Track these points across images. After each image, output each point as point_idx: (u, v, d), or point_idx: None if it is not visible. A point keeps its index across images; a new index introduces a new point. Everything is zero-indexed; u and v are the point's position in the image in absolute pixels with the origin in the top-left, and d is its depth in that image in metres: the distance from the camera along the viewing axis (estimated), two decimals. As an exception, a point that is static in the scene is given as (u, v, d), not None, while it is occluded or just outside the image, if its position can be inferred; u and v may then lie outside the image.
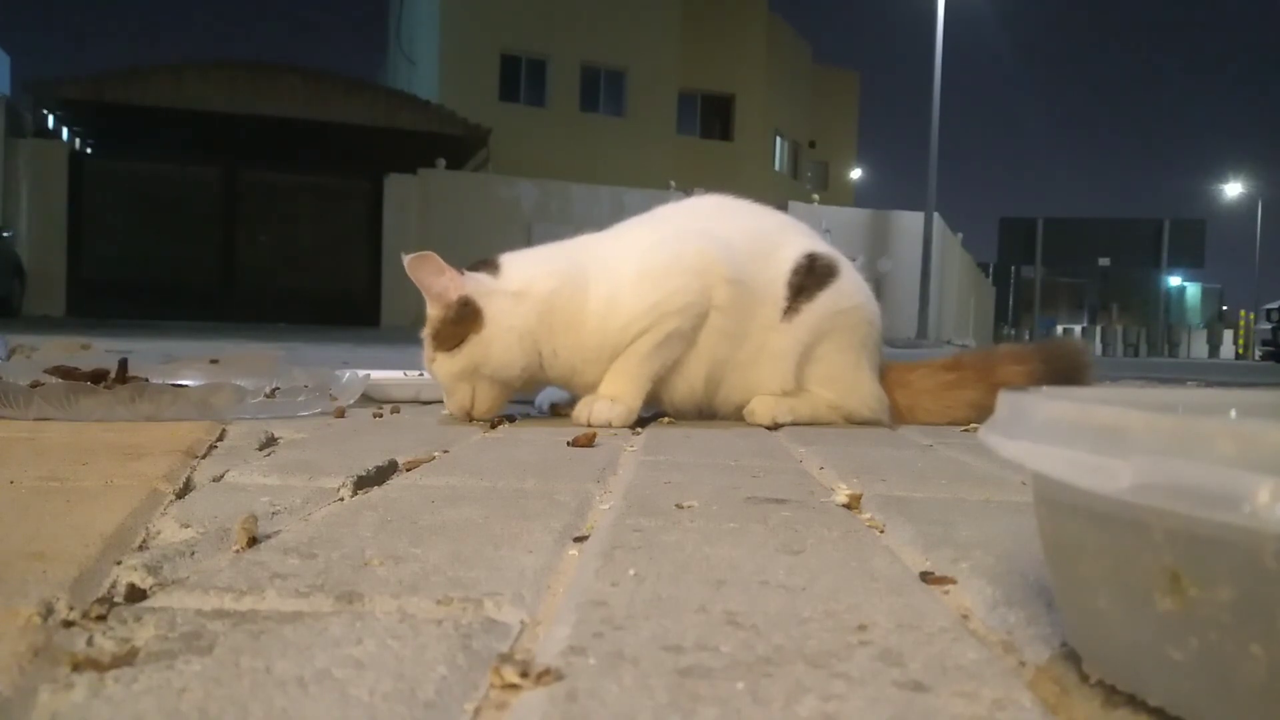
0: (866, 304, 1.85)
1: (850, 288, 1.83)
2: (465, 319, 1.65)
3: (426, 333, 1.71)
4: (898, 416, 1.86)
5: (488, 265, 1.74)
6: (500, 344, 1.65)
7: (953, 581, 0.64)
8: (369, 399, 1.96)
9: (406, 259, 1.65)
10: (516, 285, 1.69)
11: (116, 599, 0.55)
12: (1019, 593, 0.60)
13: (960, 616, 0.56)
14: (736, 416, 1.82)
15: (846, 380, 1.81)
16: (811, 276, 1.79)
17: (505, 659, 0.46)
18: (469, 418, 1.68)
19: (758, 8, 24.15)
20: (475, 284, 1.68)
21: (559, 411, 1.86)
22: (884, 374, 1.88)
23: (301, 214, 14.15)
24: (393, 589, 0.57)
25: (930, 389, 1.90)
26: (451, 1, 19.94)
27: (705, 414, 1.84)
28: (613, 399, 1.67)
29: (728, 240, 1.77)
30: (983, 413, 1.82)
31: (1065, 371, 1.88)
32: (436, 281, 1.67)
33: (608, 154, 20.37)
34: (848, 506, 0.91)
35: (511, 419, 1.73)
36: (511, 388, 1.72)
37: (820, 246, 1.87)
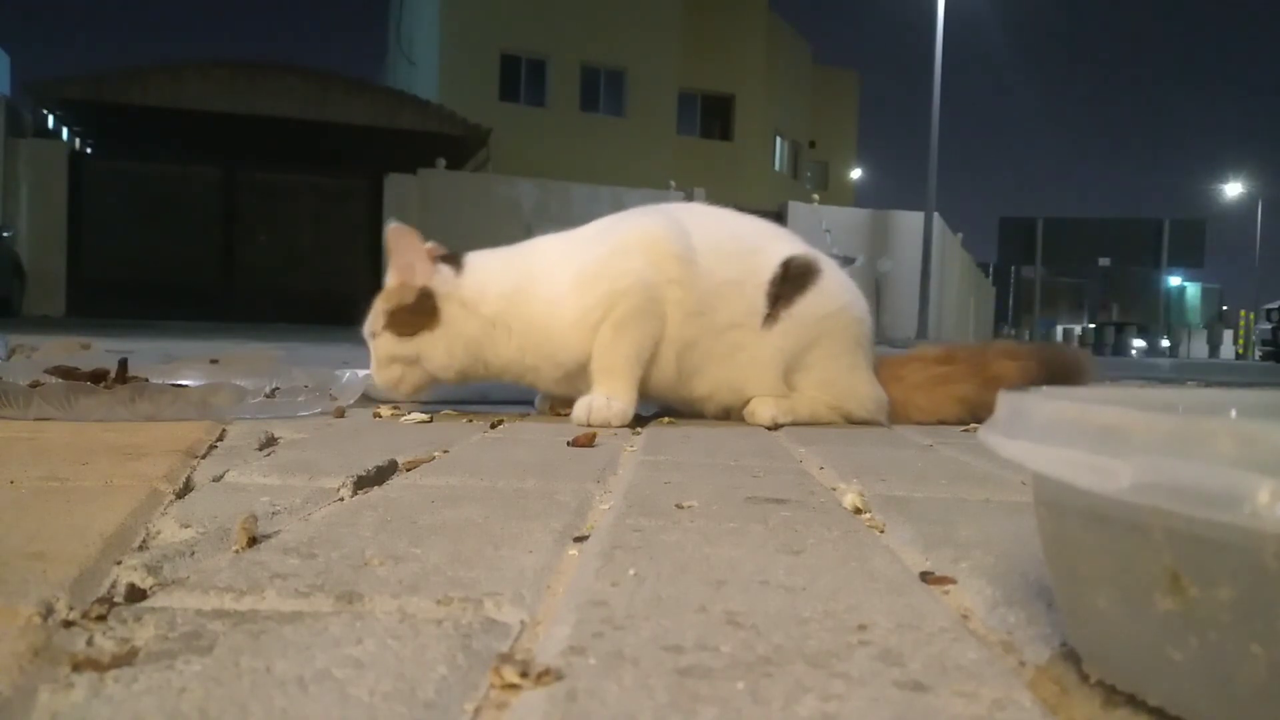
0: (852, 303, 1.84)
1: (833, 289, 1.81)
2: (423, 312, 1.72)
3: (381, 306, 1.76)
4: (891, 412, 1.86)
5: (454, 261, 1.77)
6: (446, 346, 1.72)
7: (953, 581, 0.64)
8: (369, 399, 1.96)
9: (392, 225, 1.73)
10: (468, 293, 1.73)
11: (116, 599, 0.55)
12: (1019, 593, 0.60)
13: (960, 616, 0.56)
14: (729, 417, 1.82)
15: (842, 384, 1.81)
16: (787, 284, 1.77)
17: (505, 659, 0.46)
18: (390, 392, 1.77)
19: (758, 8, 24.14)
20: (442, 280, 1.73)
21: (558, 411, 1.86)
22: (877, 369, 1.88)
23: (301, 214, 14.14)
24: (393, 589, 0.57)
25: (922, 383, 1.89)
26: (451, 1, 19.94)
27: (689, 408, 1.84)
28: (608, 396, 1.68)
29: (681, 224, 1.77)
30: (975, 408, 1.82)
31: (1063, 377, 1.87)
32: (407, 258, 1.73)
33: (608, 154, 20.36)
34: (858, 510, 0.90)
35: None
36: (441, 381, 1.78)
37: (799, 249, 1.84)
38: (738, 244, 1.80)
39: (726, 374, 1.79)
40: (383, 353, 1.75)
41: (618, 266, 1.70)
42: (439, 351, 1.72)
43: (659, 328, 1.72)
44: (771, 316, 1.76)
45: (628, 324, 1.69)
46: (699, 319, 1.73)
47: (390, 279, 1.76)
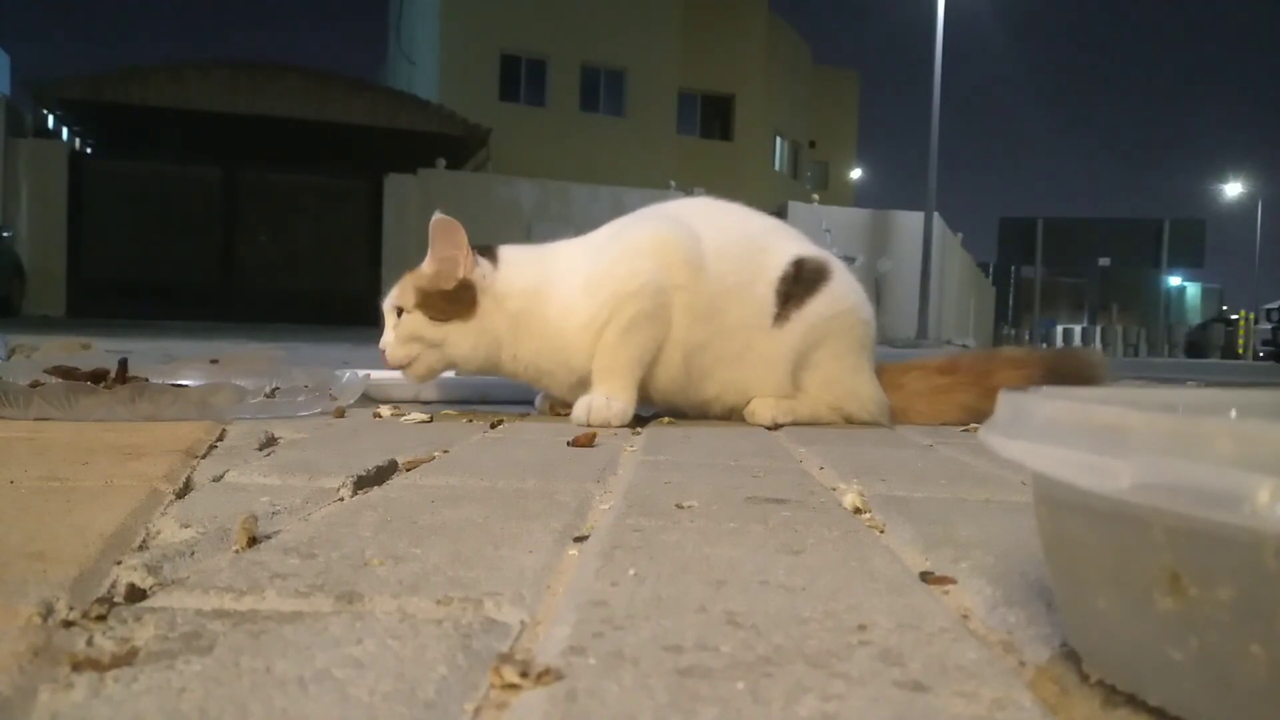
0: (860, 305, 1.84)
1: (842, 290, 1.81)
2: (460, 301, 1.72)
3: (413, 283, 1.75)
4: (891, 417, 1.86)
5: (490, 255, 1.78)
6: (474, 339, 1.72)
7: (953, 581, 0.64)
8: (369, 399, 1.96)
9: (438, 216, 1.72)
10: (501, 287, 1.74)
11: (116, 599, 0.55)
12: (1019, 593, 0.60)
13: (960, 616, 0.56)
14: (731, 417, 1.82)
15: (845, 384, 1.81)
16: (799, 284, 1.77)
17: (505, 659, 0.46)
18: (397, 367, 1.77)
19: (758, 8, 24.14)
20: (482, 273, 1.74)
21: (558, 411, 1.86)
22: (878, 376, 1.87)
23: (301, 214, 14.15)
24: (393, 589, 0.57)
25: (923, 392, 1.89)
26: (451, 1, 19.94)
27: (696, 410, 1.84)
28: (607, 396, 1.68)
29: (692, 227, 1.77)
30: (976, 416, 1.81)
31: (1072, 383, 1.86)
32: (450, 251, 1.73)
33: (608, 154, 20.36)
34: (858, 510, 0.90)
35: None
36: (452, 370, 1.79)
37: (809, 250, 1.84)
38: (748, 244, 1.80)
39: (735, 375, 1.79)
40: (407, 331, 1.74)
41: (627, 269, 1.70)
42: (467, 342, 1.72)
43: (664, 332, 1.72)
44: (782, 316, 1.76)
45: (633, 327, 1.69)
46: (708, 322, 1.73)
47: (427, 265, 1.75)
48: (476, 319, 1.72)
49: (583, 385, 1.74)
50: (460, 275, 1.72)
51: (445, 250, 1.73)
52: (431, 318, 1.72)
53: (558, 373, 1.75)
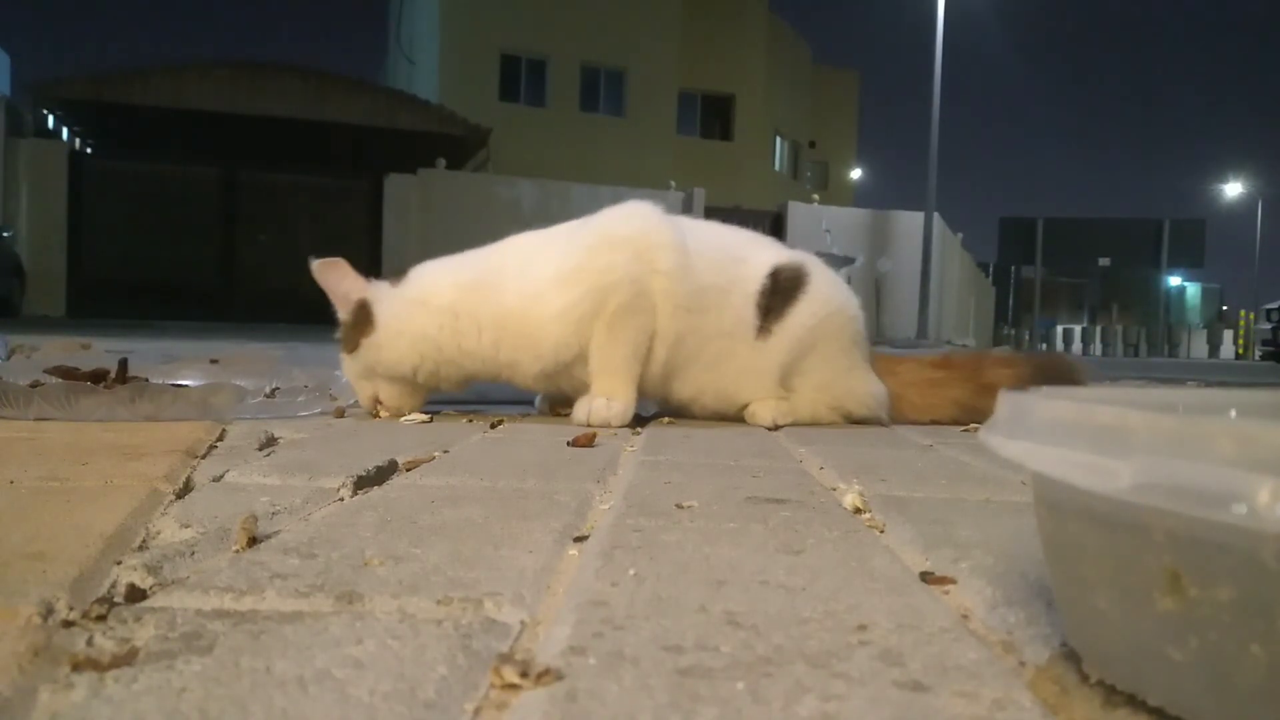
0: (844, 304, 1.83)
1: (823, 293, 1.80)
2: (360, 322, 1.74)
3: (337, 335, 1.80)
4: (889, 410, 1.85)
5: (396, 275, 1.81)
6: (389, 346, 1.72)
7: (953, 581, 0.64)
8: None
9: (314, 263, 1.76)
10: (415, 293, 1.75)
11: (116, 599, 0.55)
12: (1019, 593, 0.60)
13: (960, 616, 0.56)
14: (720, 419, 1.81)
15: (841, 384, 1.81)
16: (777, 296, 1.77)
17: (505, 659, 0.46)
18: (378, 414, 1.76)
19: (758, 8, 24.15)
20: (372, 290, 1.76)
21: (558, 411, 1.86)
22: (873, 365, 1.87)
23: (301, 214, 14.14)
24: (393, 589, 0.57)
25: (916, 382, 1.90)
26: (451, 1, 19.95)
27: (676, 409, 1.84)
28: (608, 397, 1.67)
29: (673, 218, 1.77)
30: (968, 412, 1.82)
31: (1059, 383, 1.87)
32: (340, 286, 1.77)
33: (608, 154, 20.37)
34: (858, 510, 0.90)
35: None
36: (412, 385, 1.77)
37: (784, 257, 1.83)
38: (724, 251, 1.80)
39: (713, 380, 1.78)
40: (349, 375, 1.79)
41: (603, 261, 1.70)
42: (384, 353, 1.72)
43: (651, 321, 1.71)
44: (764, 329, 1.76)
45: (618, 321, 1.68)
46: (688, 315, 1.72)
47: (339, 314, 1.78)
48: (379, 329, 1.72)
49: (549, 377, 1.74)
50: (354, 298, 1.75)
51: (335, 286, 1.76)
52: (348, 351, 1.76)
53: (522, 362, 1.73)
